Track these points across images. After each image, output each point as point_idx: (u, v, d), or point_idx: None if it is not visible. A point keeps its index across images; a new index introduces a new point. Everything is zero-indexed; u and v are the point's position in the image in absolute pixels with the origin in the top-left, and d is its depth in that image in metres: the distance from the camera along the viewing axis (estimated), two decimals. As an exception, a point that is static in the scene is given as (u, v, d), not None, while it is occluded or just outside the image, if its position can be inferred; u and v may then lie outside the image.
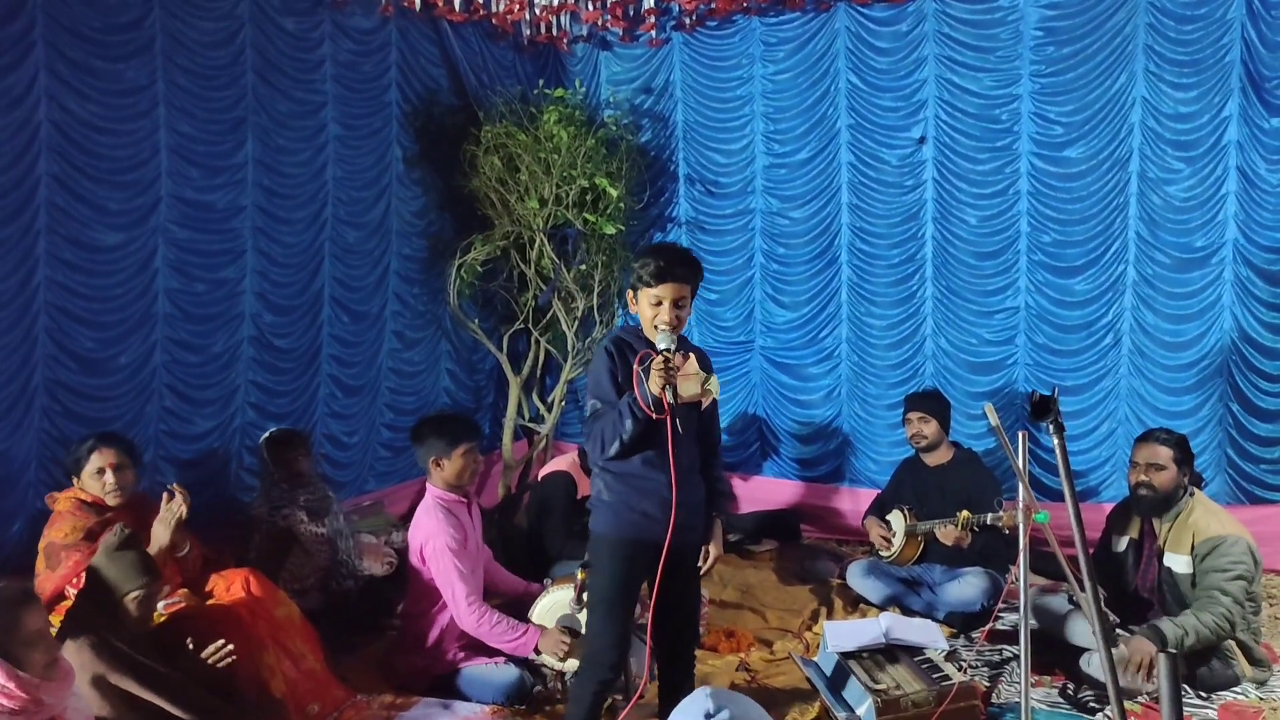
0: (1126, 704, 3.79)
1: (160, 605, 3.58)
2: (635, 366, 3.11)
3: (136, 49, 4.66)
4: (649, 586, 3.36)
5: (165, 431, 4.90)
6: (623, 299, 6.45)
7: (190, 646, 3.35)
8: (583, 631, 3.88)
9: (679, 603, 3.31)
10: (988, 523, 4.59)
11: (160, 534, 3.68)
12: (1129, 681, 3.78)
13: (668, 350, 3.01)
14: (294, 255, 5.47)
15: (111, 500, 3.85)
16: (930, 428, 5.07)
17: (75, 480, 3.89)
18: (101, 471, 3.84)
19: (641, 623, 3.84)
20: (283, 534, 4.47)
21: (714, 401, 3.29)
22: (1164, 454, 4.09)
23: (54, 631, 3.09)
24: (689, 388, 3.08)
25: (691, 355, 3.18)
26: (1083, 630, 4.13)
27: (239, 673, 3.46)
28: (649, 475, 3.14)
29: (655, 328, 3.10)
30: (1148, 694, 3.78)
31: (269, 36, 5.23)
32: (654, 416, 3.02)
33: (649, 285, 3.11)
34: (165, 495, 3.76)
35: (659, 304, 3.10)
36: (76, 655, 3.06)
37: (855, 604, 5.07)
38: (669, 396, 2.97)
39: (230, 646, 3.35)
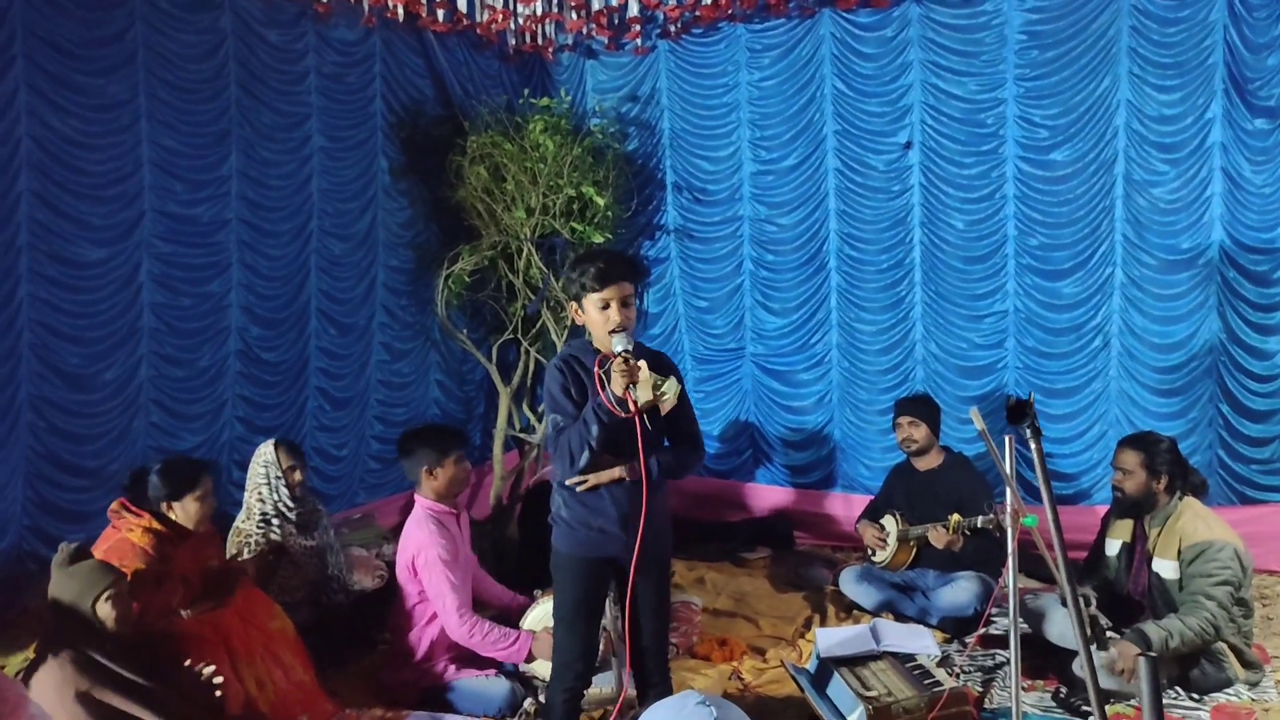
0: (1120, 706, 3.81)
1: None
2: (596, 370, 3.11)
3: (118, 63, 4.66)
4: (618, 598, 3.36)
5: (152, 447, 4.88)
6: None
7: (175, 654, 3.33)
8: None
9: (648, 611, 3.30)
10: (979, 526, 4.58)
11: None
12: (1119, 685, 3.77)
13: (626, 351, 3.00)
14: (280, 268, 5.46)
15: (203, 526, 3.85)
16: (920, 432, 5.06)
17: (168, 505, 3.82)
18: (208, 496, 3.84)
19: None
20: (272, 546, 4.44)
21: (682, 399, 3.25)
22: (1130, 460, 4.10)
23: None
24: (640, 395, 3.06)
25: (643, 362, 3.12)
26: (1059, 628, 4.14)
27: (226, 686, 3.43)
28: (604, 492, 3.14)
29: (609, 332, 3.07)
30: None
31: (252, 49, 5.23)
32: (621, 415, 3.01)
33: (595, 290, 3.08)
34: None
35: (607, 307, 3.08)
36: (59, 672, 3.04)
37: (849, 610, 5.05)
38: (634, 395, 2.97)
39: (215, 669, 3.32)
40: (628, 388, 2.97)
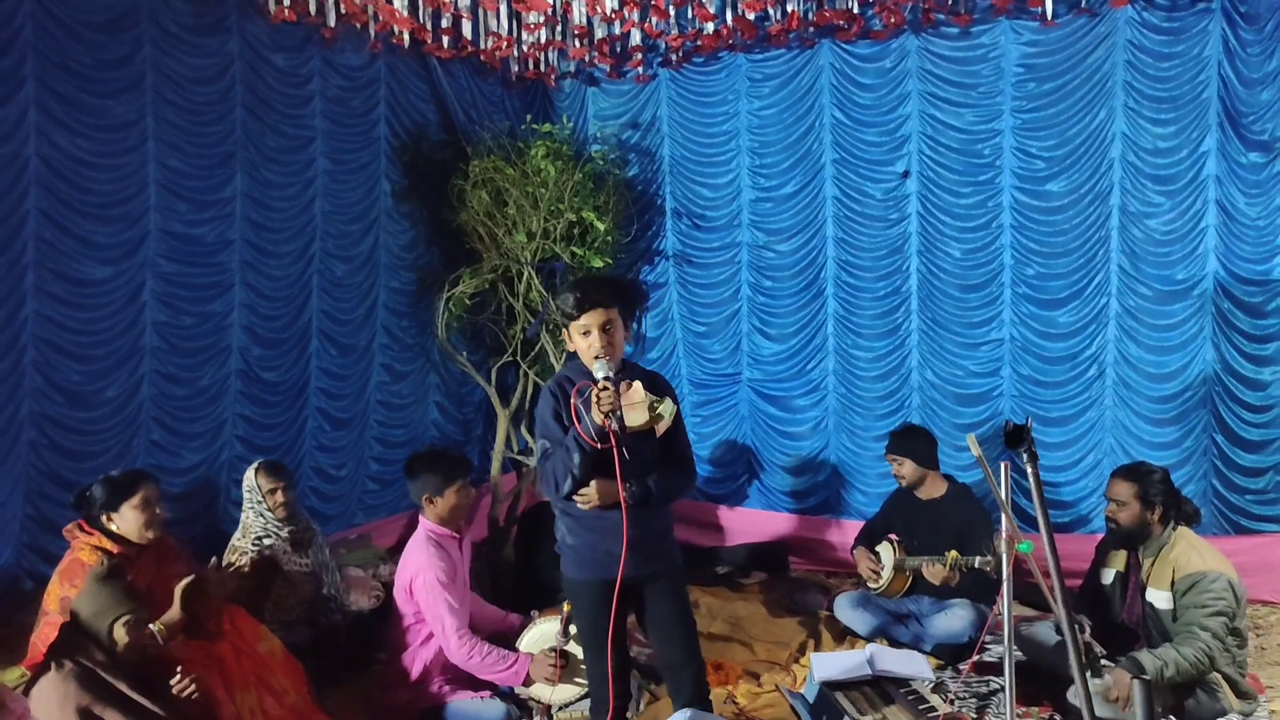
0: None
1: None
2: (573, 400, 3.14)
3: (126, 85, 4.71)
4: (638, 620, 3.38)
5: (152, 465, 4.86)
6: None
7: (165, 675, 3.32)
8: (571, 655, 3.91)
9: (672, 631, 3.32)
10: (975, 566, 4.54)
11: (176, 608, 3.63)
12: (1114, 713, 3.78)
13: (606, 378, 3.03)
14: (282, 288, 5.50)
15: (151, 534, 3.78)
16: (905, 468, 5.04)
17: (109, 515, 3.74)
18: (148, 504, 3.77)
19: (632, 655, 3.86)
20: (266, 565, 4.46)
21: (677, 422, 3.26)
22: (1124, 491, 4.12)
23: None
24: (635, 416, 3.06)
25: (637, 383, 3.13)
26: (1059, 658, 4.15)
27: (222, 710, 3.44)
28: (605, 515, 3.15)
29: (593, 358, 3.11)
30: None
31: (259, 72, 5.28)
32: (599, 446, 3.04)
33: (573, 318, 3.13)
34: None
35: (588, 334, 3.12)
36: (61, 686, 3.06)
37: (843, 636, 5.06)
38: (613, 424, 2.99)
39: (190, 681, 3.30)
40: (607, 415, 2.99)
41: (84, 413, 4.65)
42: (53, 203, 4.48)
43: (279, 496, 4.56)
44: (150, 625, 3.53)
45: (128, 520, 3.73)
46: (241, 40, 5.18)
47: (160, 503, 3.84)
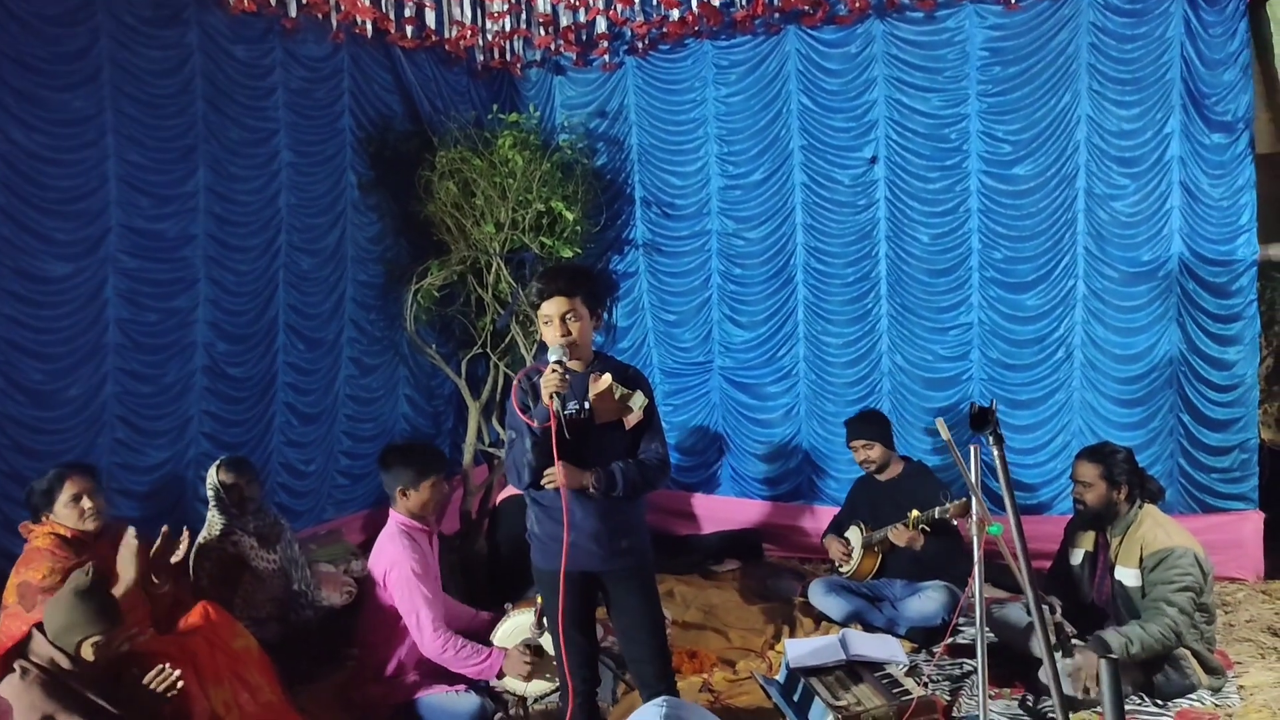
0: (1086, 713, 3.85)
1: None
2: (515, 383, 3.21)
3: (83, 78, 4.63)
4: (607, 611, 3.39)
5: (118, 464, 4.83)
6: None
7: (135, 674, 3.27)
8: (546, 650, 3.91)
9: (634, 629, 3.33)
10: (936, 517, 4.63)
11: (126, 570, 3.58)
12: (1081, 692, 3.81)
13: (558, 361, 3.09)
14: (247, 283, 5.43)
15: (90, 525, 3.81)
16: (875, 452, 5.14)
17: (47, 515, 3.81)
18: (77, 498, 3.79)
19: (604, 646, 3.86)
20: (233, 561, 4.42)
21: (650, 414, 3.30)
22: (1089, 472, 4.17)
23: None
24: (604, 407, 3.12)
25: (606, 374, 3.19)
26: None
27: (193, 710, 3.41)
28: (573, 507, 3.17)
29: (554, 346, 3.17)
30: (1105, 703, 3.81)
31: (219, 64, 5.21)
32: (541, 425, 3.09)
33: (536, 306, 3.22)
34: (130, 531, 3.66)
35: (549, 323, 3.19)
36: (25, 695, 3.00)
37: (817, 622, 5.08)
38: (557, 405, 3.03)
39: (177, 673, 3.25)
40: (551, 396, 3.03)
41: (46, 412, 4.58)
42: (10, 199, 4.40)
43: (242, 490, 4.53)
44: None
45: (63, 518, 3.81)
46: (201, 32, 5.10)
47: (94, 493, 3.87)
